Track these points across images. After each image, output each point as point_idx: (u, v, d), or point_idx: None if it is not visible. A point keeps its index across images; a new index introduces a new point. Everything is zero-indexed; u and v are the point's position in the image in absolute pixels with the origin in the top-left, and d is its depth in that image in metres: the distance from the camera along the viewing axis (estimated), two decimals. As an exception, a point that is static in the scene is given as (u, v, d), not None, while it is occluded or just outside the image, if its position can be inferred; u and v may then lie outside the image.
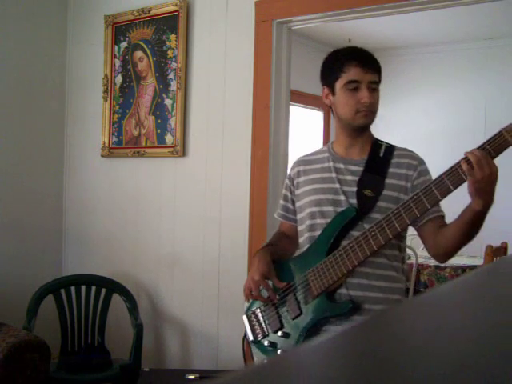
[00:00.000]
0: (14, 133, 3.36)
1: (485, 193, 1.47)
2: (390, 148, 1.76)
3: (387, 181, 1.68)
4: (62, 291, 3.02)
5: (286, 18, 2.73)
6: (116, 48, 3.32)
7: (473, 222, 1.53)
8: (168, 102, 3.07)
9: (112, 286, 3.07)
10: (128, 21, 3.25)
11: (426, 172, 1.71)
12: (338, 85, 1.69)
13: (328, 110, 6.70)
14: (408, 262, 3.93)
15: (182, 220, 3.07)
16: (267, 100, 2.74)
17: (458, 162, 1.49)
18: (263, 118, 2.75)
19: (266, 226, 2.74)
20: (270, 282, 1.76)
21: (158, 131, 3.12)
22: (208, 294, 2.95)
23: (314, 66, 6.72)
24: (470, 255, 4.34)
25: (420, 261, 3.96)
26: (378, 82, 1.71)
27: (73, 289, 3.06)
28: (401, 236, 1.71)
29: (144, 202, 3.23)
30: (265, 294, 1.76)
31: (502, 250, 4.06)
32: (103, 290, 3.08)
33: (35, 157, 3.46)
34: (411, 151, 1.76)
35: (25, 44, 3.38)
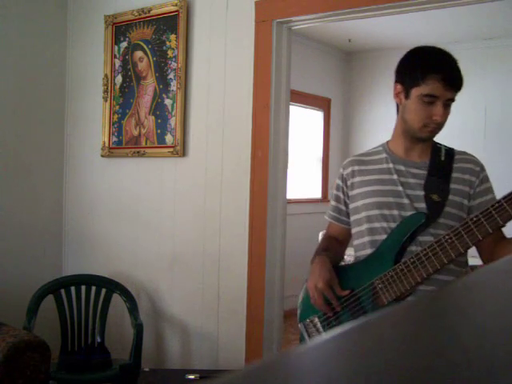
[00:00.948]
0: (14, 133, 3.36)
1: None
2: (451, 151, 1.71)
3: (452, 186, 1.63)
4: (62, 291, 3.02)
5: (285, 18, 2.72)
6: (116, 48, 3.32)
7: None
8: (168, 101, 3.07)
9: (112, 286, 3.07)
10: (128, 21, 3.25)
11: (488, 179, 1.68)
12: (415, 92, 1.60)
13: (328, 110, 6.68)
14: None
15: (181, 220, 3.07)
16: (267, 100, 2.74)
17: None
18: (263, 118, 2.75)
19: (266, 226, 2.74)
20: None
21: (158, 131, 3.12)
22: (208, 293, 2.95)
23: (314, 66, 6.74)
24: (470, 255, 4.33)
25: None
26: (454, 100, 1.62)
27: (73, 289, 3.06)
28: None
29: (144, 202, 3.23)
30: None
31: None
32: (103, 290, 3.08)
33: (35, 157, 3.46)
34: (472, 156, 1.71)
35: (25, 44, 3.38)
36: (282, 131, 2.80)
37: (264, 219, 2.74)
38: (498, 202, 1.47)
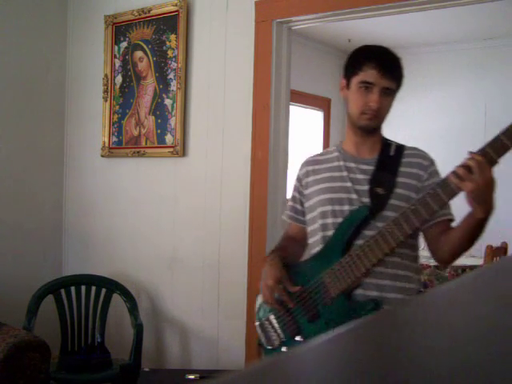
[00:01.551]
0: (14, 133, 3.36)
1: (483, 201, 1.46)
2: (400, 147, 1.75)
3: (399, 179, 1.68)
4: (62, 291, 3.02)
5: (285, 18, 2.72)
6: (116, 48, 3.32)
7: (474, 229, 1.53)
8: (168, 101, 3.07)
9: (112, 286, 3.07)
10: (128, 21, 3.25)
11: (437, 173, 1.70)
12: (354, 81, 1.68)
13: (328, 110, 6.68)
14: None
15: (181, 220, 3.07)
16: (267, 100, 2.74)
17: (453, 171, 1.48)
18: (263, 118, 2.75)
19: (266, 226, 2.74)
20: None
21: (158, 131, 3.12)
22: (208, 293, 2.95)
23: (314, 66, 6.73)
24: (470, 255, 4.34)
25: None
26: (393, 89, 1.68)
27: (73, 289, 3.06)
28: (414, 234, 1.68)
29: (144, 202, 3.23)
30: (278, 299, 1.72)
31: (502, 250, 4.06)
32: (103, 290, 3.08)
33: (35, 157, 3.46)
34: (422, 151, 1.76)
35: (25, 44, 3.38)
36: (282, 131, 2.80)
37: (264, 219, 2.74)
38: (432, 189, 1.52)
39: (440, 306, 0.43)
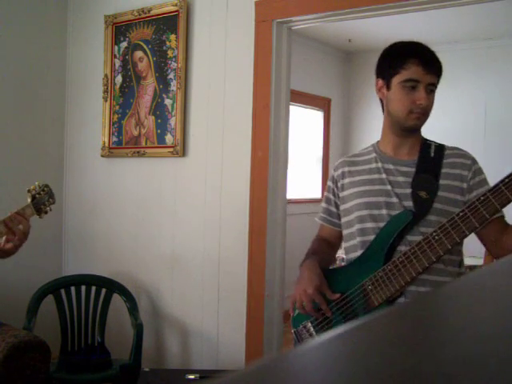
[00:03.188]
0: (14, 133, 3.36)
1: None
2: (440, 147, 1.69)
3: (441, 182, 1.61)
4: (62, 291, 3.02)
5: (285, 18, 2.72)
6: (116, 48, 3.32)
7: None
8: (168, 101, 3.07)
9: (112, 286, 3.07)
10: (128, 21, 3.25)
11: (481, 171, 1.65)
12: (396, 80, 1.61)
13: (328, 110, 6.67)
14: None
15: (182, 220, 3.07)
16: (267, 100, 2.74)
17: (501, 181, 1.42)
18: (263, 118, 2.75)
19: (266, 226, 2.74)
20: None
21: (158, 131, 3.12)
22: (208, 294, 2.95)
23: (313, 66, 6.72)
24: (470, 255, 4.34)
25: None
26: (436, 85, 1.63)
27: (73, 289, 3.06)
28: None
29: (144, 202, 3.23)
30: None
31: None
32: (103, 290, 3.08)
33: (35, 157, 3.46)
34: (463, 150, 1.69)
35: (25, 44, 3.38)
36: (282, 131, 2.80)
37: (264, 219, 2.74)
38: (484, 195, 1.46)
39: (459, 299, 0.43)
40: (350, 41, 5.60)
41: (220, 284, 2.91)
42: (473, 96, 5.41)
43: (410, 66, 1.58)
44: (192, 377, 2.53)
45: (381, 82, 1.67)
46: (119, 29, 3.30)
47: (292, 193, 5.05)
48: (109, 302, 3.07)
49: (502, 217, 1.61)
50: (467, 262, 4.02)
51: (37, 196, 2.15)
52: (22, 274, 3.34)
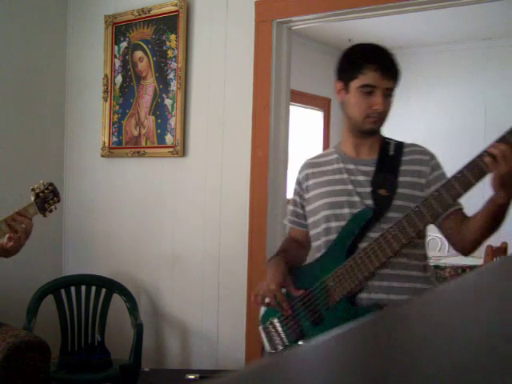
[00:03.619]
0: (14, 133, 3.36)
1: (508, 185, 1.43)
2: (400, 145, 1.73)
3: (400, 179, 1.66)
4: (62, 291, 3.02)
5: (285, 18, 2.72)
6: (116, 48, 3.32)
7: (496, 215, 1.51)
8: (168, 101, 3.07)
9: (112, 286, 3.07)
10: (128, 21, 3.25)
11: (439, 166, 1.69)
12: (354, 85, 1.64)
13: (328, 110, 6.67)
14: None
15: (182, 220, 3.07)
16: (267, 100, 2.74)
17: (480, 156, 1.44)
18: (263, 118, 2.75)
19: (266, 225, 2.74)
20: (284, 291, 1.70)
21: (158, 131, 3.12)
22: (208, 293, 2.95)
23: (313, 66, 6.72)
24: (470, 255, 4.32)
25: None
26: (393, 89, 1.66)
27: (73, 289, 3.06)
28: (422, 233, 1.66)
29: (144, 202, 3.23)
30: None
31: (501, 249, 4.06)
32: (103, 290, 3.08)
33: (35, 157, 3.46)
34: (421, 146, 1.74)
35: (25, 44, 3.38)
36: (282, 131, 2.80)
37: (264, 219, 2.74)
38: (437, 190, 1.50)
39: (440, 305, 0.43)
40: (350, 41, 5.60)
41: (220, 283, 2.91)
42: (472, 96, 5.41)
43: (368, 71, 1.61)
44: (192, 377, 2.53)
45: (340, 84, 1.70)
46: (119, 29, 3.30)
47: (292, 193, 5.04)
48: (109, 302, 3.07)
49: (460, 209, 1.65)
50: (468, 262, 4.03)
51: (40, 194, 2.16)
52: (22, 274, 3.33)
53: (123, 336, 3.17)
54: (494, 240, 4.04)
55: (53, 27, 3.52)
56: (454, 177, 1.48)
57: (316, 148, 5.85)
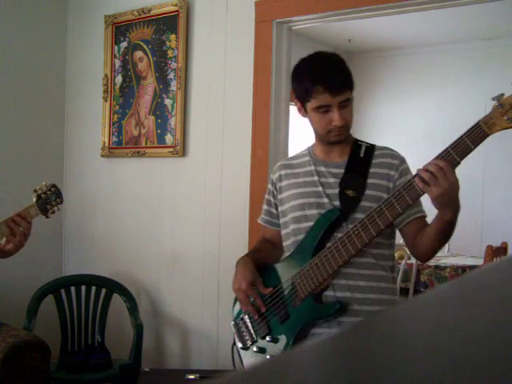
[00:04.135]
0: (14, 133, 3.36)
1: (449, 204, 1.47)
2: (371, 148, 1.75)
3: (369, 181, 1.68)
4: (62, 291, 3.02)
5: (285, 18, 2.73)
6: (116, 48, 3.32)
7: (444, 230, 1.55)
8: (168, 101, 3.08)
9: (112, 286, 3.07)
10: (128, 21, 3.25)
11: (407, 171, 1.70)
12: (309, 107, 1.66)
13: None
14: (408, 262, 3.93)
15: (181, 220, 3.07)
16: (267, 100, 2.74)
17: (414, 176, 1.49)
18: (263, 118, 2.75)
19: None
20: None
21: (158, 131, 3.12)
22: (208, 293, 2.95)
23: (314, 65, 6.56)
24: (470, 255, 4.34)
25: (420, 261, 3.95)
26: (349, 99, 1.67)
27: (73, 289, 3.06)
28: (390, 233, 1.71)
29: (144, 202, 3.23)
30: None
31: (501, 249, 4.06)
32: (103, 290, 3.08)
33: (35, 157, 3.46)
34: (392, 150, 1.76)
35: (25, 44, 3.38)
36: (282, 131, 2.80)
37: (264, 219, 2.74)
38: (398, 190, 1.53)
39: (435, 307, 0.43)
40: (349, 41, 5.60)
41: (220, 282, 2.91)
42: (473, 96, 5.41)
43: (317, 94, 1.62)
44: (192, 377, 2.53)
45: (299, 104, 1.72)
46: (119, 29, 3.30)
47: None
48: (109, 302, 3.07)
49: (423, 217, 1.68)
50: (468, 262, 4.03)
51: (42, 196, 2.15)
52: (22, 274, 3.33)
53: (123, 336, 3.17)
54: (494, 240, 4.06)
55: (53, 27, 3.52)
56: (413, 177, 1.50)
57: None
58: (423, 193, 1.47)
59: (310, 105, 1.65)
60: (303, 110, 1.71)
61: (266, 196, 1.92)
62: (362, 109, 5.97)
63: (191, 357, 3.06)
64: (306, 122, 1.78)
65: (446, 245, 4.49)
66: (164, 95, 3.09)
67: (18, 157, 3.39)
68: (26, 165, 3.42)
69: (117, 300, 3.08)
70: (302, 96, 1.68)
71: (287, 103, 2.84)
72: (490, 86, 5.35)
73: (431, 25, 4.90)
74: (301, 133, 5.59)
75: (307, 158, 1.81)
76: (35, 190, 2.16)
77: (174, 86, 3.05)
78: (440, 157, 1.46)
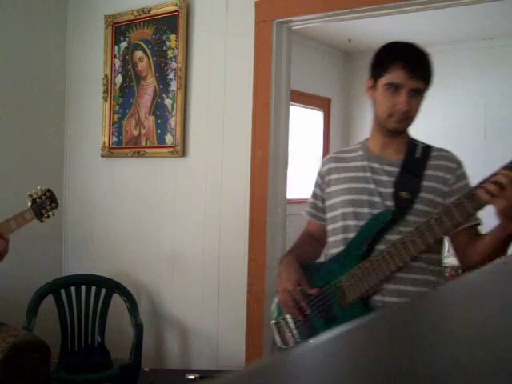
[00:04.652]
0: (14, 133, 3.36)
1: None
2: (427, 148, 1.70)
3: (424, 183, 1.62)
4: (62, 291, 3.02)
5: (285, 18, 2.72)
6: (116, 48, 3.32)
7: (503, 243, 1.49)
8: (168, 101, 3.07)
9: (112, 286, 3.07)
10: (128, 21, 3.25)
11: (465, 176, 1.65)
12: (380, 82, 1.62)
13: (328, 110, 6.68)
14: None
15: (182, 220, 3.07)
16: (267, 100, 2.74)
17: (477, 186, 1.42)
18: (263, 118, 2.75)
19: (265, 225, 2.74)
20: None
21: (158, 131, 3.12)
22: (208, 294, 2.95)
23: (314, 66, 6.71)
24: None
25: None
26: (422, 90, 1.62)
27: (73, 289, 3.06)
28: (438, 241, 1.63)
29: (144, 202, 3.23)
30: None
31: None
32: (103, 290, 3.08)
33: (35, 157, 3.46)
34: (449, 152, 1.69)
35: (25, 44, 3.38)
36: (282, 131, 2.80)
37: (264, 219, 2.74)
38: (458, 199, 1.47)
39: (452, 301, 0.43)
40: (350, 41, 5.60)
41: (220, 282, 2.91)
42: (473, 96, 5.41)
43: (394, 69, 1.59)
44: (192, 377, 2.53)
45: (370, 81, 1.68)
46: (119, 29, 3.30)
47: (292, 193, 5.05)
48: (109, 302, 3.07)
49: (477, 225, 1.62)
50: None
51: (37, 200, 2.15)
52: (22, 274, 3.33)
53: (123, 336, 3.17)
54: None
55: (53, 27, 3.52)
56: (476, 186, 1.44)
57: (316, 148, 5.85)
58: (487, 204, 1.41)
59: (383, 80, 1.61)
60: (373, 89, 1.66)
61: (313, 188, 1.86)
62: (361, 108, 5.97)
63: (191, 357, 3.06)
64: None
65: (446, 245, 4.49)
66: (164, 95, 3.09)
67: (18, 157, 3.38)
68: (26, 165, 3.42)
69: (117, 300, 3.08)
70: (377, 71, 1.64)
71: (287, 103, 2.84)
72: (490, 86, 5.37)
73: (431, 25, 4.89)
74: (300, 133, 5.59)
75: (360, 153, 1.75)
76: (30, 195, 2.15)
77: (173, 85, 3.04)
78: (507, 168, 1.39)
